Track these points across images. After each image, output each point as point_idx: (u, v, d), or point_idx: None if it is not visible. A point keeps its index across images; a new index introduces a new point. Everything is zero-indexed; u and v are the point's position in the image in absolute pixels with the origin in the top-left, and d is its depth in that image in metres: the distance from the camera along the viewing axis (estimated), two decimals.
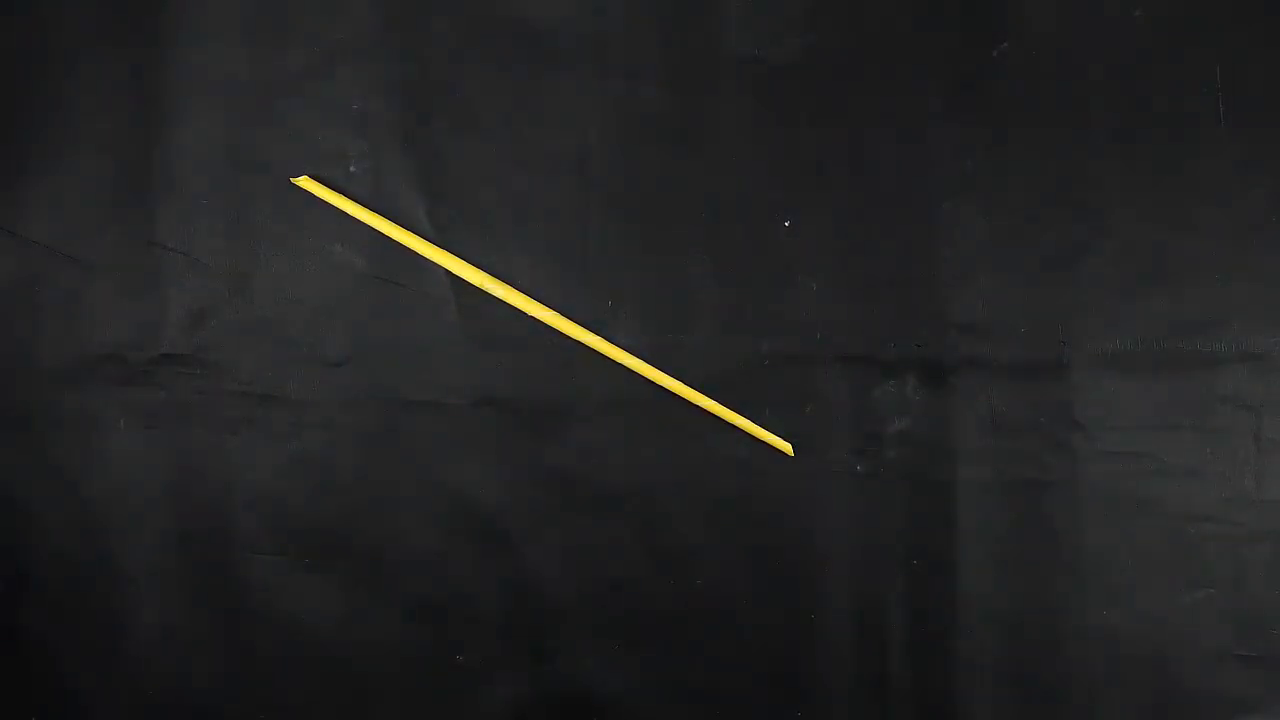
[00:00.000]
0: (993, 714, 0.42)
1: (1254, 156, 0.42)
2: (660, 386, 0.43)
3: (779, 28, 0.44)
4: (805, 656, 0.43)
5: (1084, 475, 0.43)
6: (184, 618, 0.45)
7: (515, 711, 0.45)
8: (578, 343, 0.43)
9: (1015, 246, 0.43)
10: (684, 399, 0.43)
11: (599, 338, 0.43)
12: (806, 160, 0.44)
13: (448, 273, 0.44)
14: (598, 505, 0.44)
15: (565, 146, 0.44)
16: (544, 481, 0.44)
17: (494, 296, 0.43)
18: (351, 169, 0.45)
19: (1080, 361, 0.43)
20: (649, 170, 0.44)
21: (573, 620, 0.45)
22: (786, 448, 0.42)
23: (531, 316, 0.43)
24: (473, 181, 0.44)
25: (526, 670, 0.45)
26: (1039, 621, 0.42)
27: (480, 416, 0.43)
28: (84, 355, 0.45)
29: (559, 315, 0.43)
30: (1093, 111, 0.43)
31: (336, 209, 0.44)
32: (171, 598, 0.45)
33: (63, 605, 0.45)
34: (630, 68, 0.44)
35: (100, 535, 0.45)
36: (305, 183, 0.43)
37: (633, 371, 0.43)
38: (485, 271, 0.44)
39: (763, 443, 0.42)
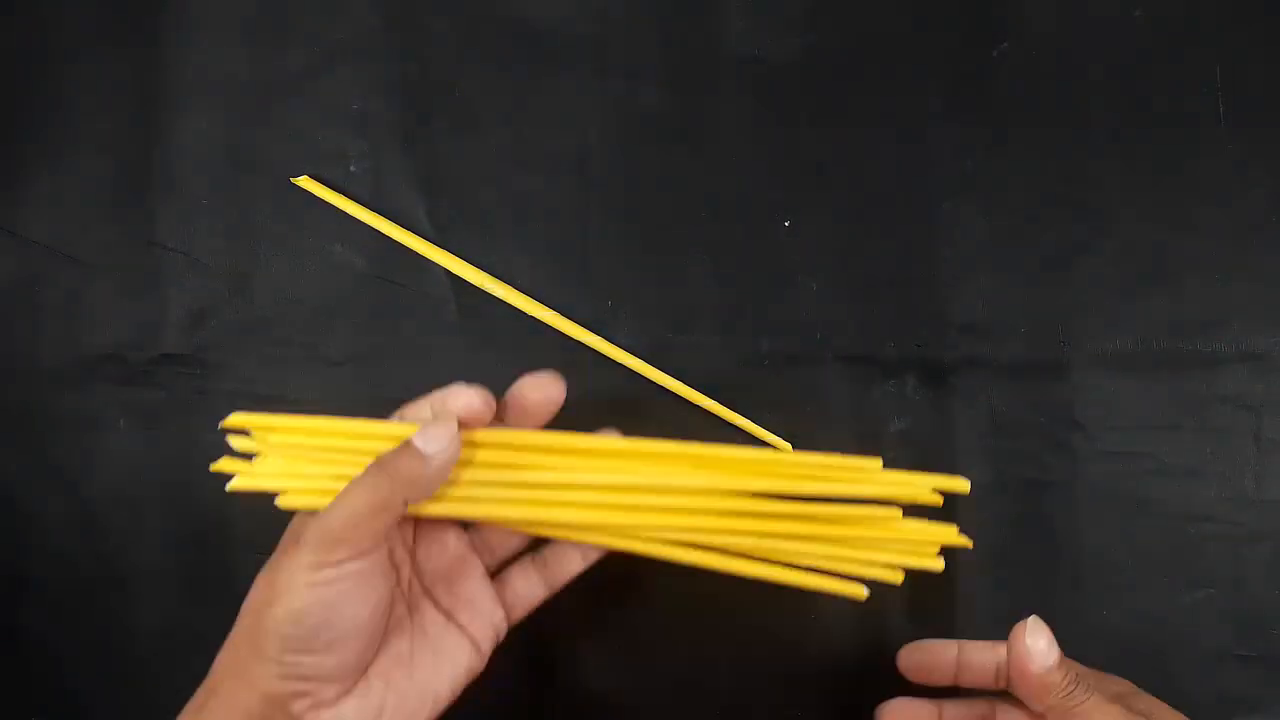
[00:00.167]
0: None
1: (1254, 156, 0.42)
2: (660, 386, 0.43)
3: (779, 28, 0.44)
4: (805, 656, 0.43)
5: (1084, 475, 0.43)
6: (184, 618, 0.45)
7: (515, 711, 0.45)
8: (578, 343, 0.43)
9: (1015, 246, 0.43)
10: (684, 399, 0.43)
11: (599, 338, 0.43)
12: (806, 160, 0.44)
13: (448, 273, 0.44)
14: None
15: (565, 146, 0.44)
16: None
17: (494, 296, 0.43)
18: (351, 169, 0.45)
19: (1080, 361, 0.43)
20: (649, 170, 0.44)
21: (573, 620, 0.45)
22: (786, 447, 0.42)
23: (531, 316, 0.43)
24: (473, 181, 0.44)
25: (526, 670, 0.45)
26: None
27: None
28: (84, 355, 0.45)
29: (559, 315, 0.43)
30: (1093, 111, 0.43)
31: (336, 209, 0.44)
32: (171, 598, 0.45)
33: (63, 605, 0.45)
34: (630, 68, 0.44)
35: (100, 535, 0.45)
36: (305, 183, 0.43)
37: (633, 371, 0.43)
38: (485, 271, 0.44)
39: (763, 442, 0.42)
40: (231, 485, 0.37)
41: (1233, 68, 0.42)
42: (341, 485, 0.33)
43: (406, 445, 0.33)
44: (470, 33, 0.44)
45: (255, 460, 0.37)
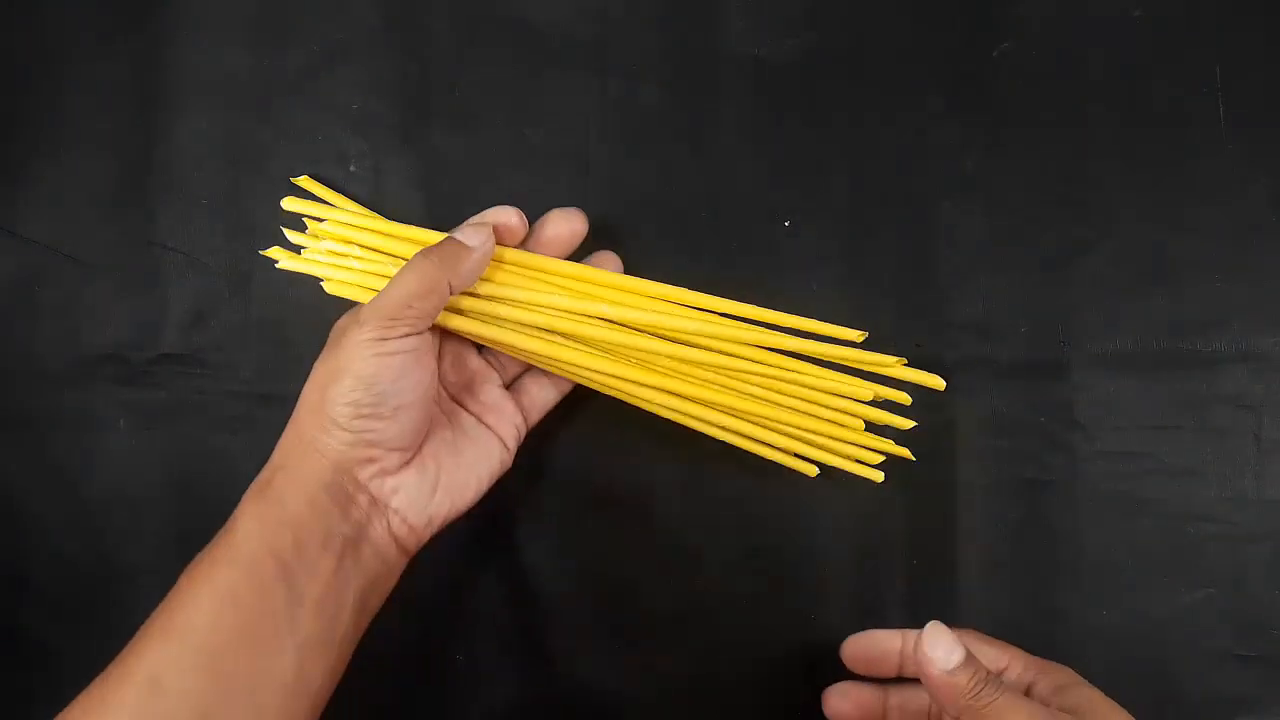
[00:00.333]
0: None
1: (1254, 156, 0.42)
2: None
3: (779, 28, 0.44)
4: (806, 657, 0.43)
5: (1084, 475, 0.43)
6: None
7: (515, 711, 0.45)
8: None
9: (1015, 246, 0.43)
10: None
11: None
12: (806, 160, 0.44)
13: None
14: (598, 505, 0.44)
15: (565, 146, 0.44)
16: (544, 481, 0.45)
17: None
18: (352, 169, 0.45)
19: (1080, 361, 0.43)
20: (649, 170, 0.44)
21: (573, 620, 0.45)
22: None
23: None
24: (473, 181, 0.44)
25: (526, 670, 0.45)
26: (1038, 621, 0.42)
27: None
28: (84, 355, 0.45)
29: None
30: (1093, 111, 0.43)
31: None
32: None
33: (63, 605, 0.45)
34: (630, 68, 0.44)
35: (100, 535, 0.45)
36: (305, 183, 0.43)
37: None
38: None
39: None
40: (281, 264, 0.42)
41: (1233, 68, 0.42)
42: (382, 282, 0.38)
43: (449, 238, 0.37)
44: (470, 33, 0.44)
45: (304, 250, 0.42)
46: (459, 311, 0.39)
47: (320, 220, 0.42)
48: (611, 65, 0.44)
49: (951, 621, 0.42)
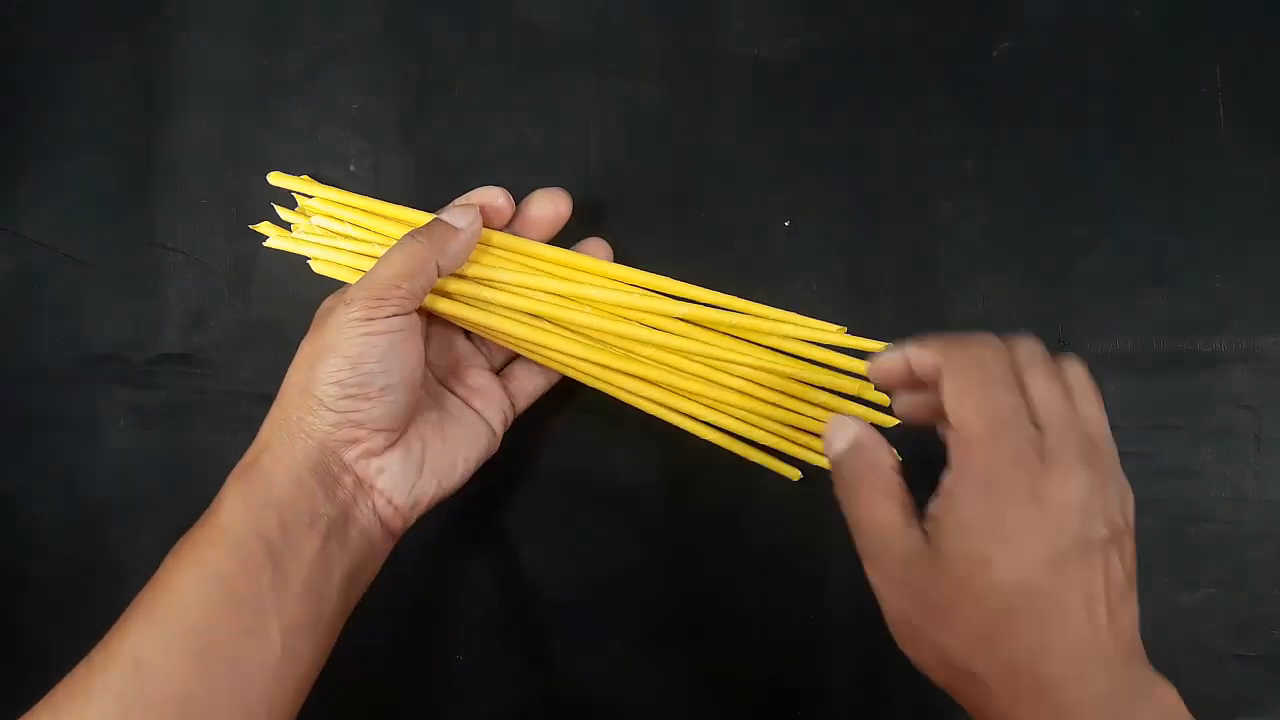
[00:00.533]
0: None
1: (1254, 156, 0.42)
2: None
3: (779, 28, 0.44)
4: (805, 656, 0.43)
5: None
6: None
7: (515, 711, 0.45)
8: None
9: (1015, 246, 0.43)
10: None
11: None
12: (806, 160, 0.44)
13: None
14: (598, 505, 0.44)
15: (565, 146, 0.44)
16: (544, 481, 0.45)
17: None
18: (351, 169, 0.45)
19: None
20: (649, 170, 0.44)
21: (573, 620, 0.45)
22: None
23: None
24: (473, 181, 0.44)
25: (526, 670, 0.45)
26: None
27: None
28: (84, 355, 0.45)
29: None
30: (1093, 111, 0.43)
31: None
32: None
33: (63, 605, 0.45)
34: (630, 68, 0.44)
35: (100, 535, 0.45)
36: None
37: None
38: None
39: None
40: (269, 243, 0.42)
41: (1233, 68, 0.42)
42: (370, 263, 0.38)
43: (437, 220, 0.37)
44: (470, 33, 0.44)
45: (294, 228, 0.42)
46: (446, 295, 0.39)
47: (310, 197, 0.42)
48: (611, 65, 0.44)
49: None
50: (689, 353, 0.40)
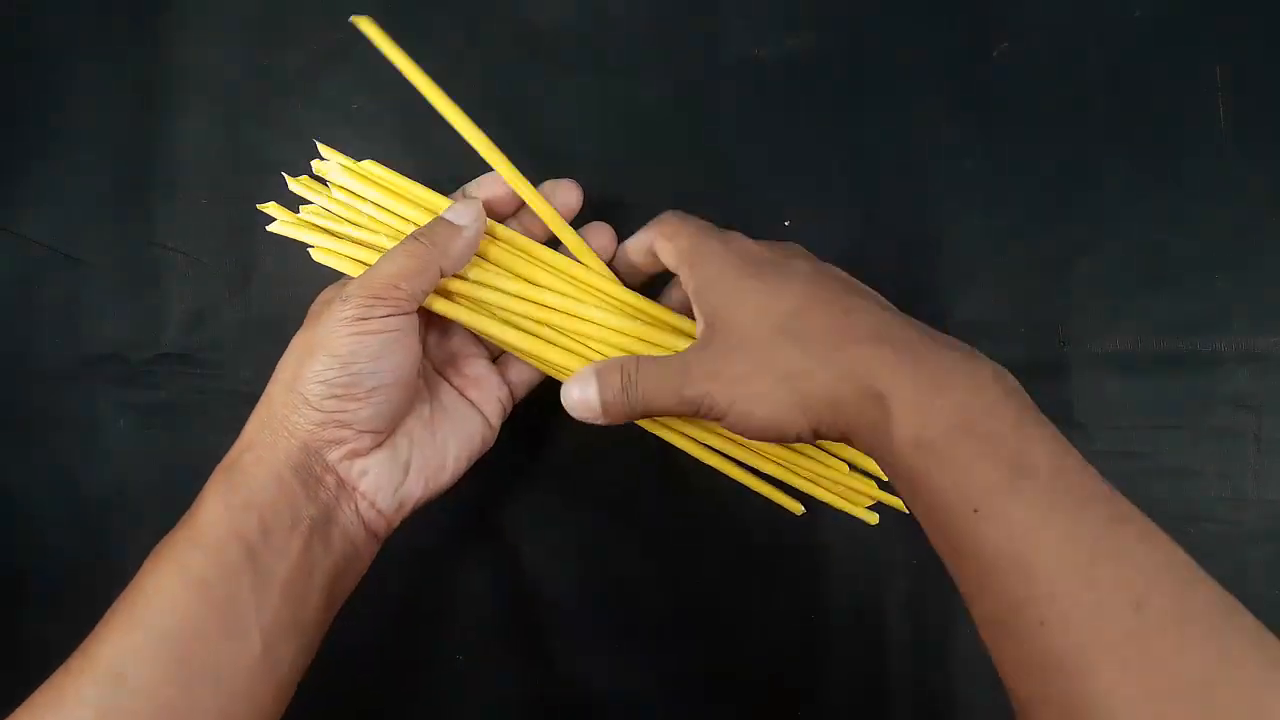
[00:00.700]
0: (993, 714, 0.42)
1: (1254, 156, 0.42)
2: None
3: (779, 27, 0.44)
4: (805, 656, 0.43)
5: None
6: None
7: (515, 711, 0.45)
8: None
9: (1015, 246, 0.43)
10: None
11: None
12: (806, 160, 0.44)
13: None
14: (597, 505, 0.44)
15: (565, 146, 0.44)
16: (544, 481, 0.45)
17: None
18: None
19: (1080, 361, 0.43)
20: (649, 170, 0.44)
21: (573, 620, 0.45)
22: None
23: None
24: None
25: (526, 670, 0.45)
26: None
27: None
28: (84, 355, 0.45)
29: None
30: (1093, 111, 0.43)
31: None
32: None
33: (63, 605, 0.45)
34: (630, 68, 0.44)
35: (100, 535, 0.45)
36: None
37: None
38: None
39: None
40: (272, 227, 0.40)
41: (1233, 68, 0.42)
42: (372, 256, 0.38)
43: (439, 219, 0.37)
44: (470, 33, 0.44)
45: (304, 208, 0.40)
46: (446, 295, 0.39)
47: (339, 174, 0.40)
48: (611, 65, 0.44)
49: (953, 620, 0.42)
50: None
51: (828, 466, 0.40)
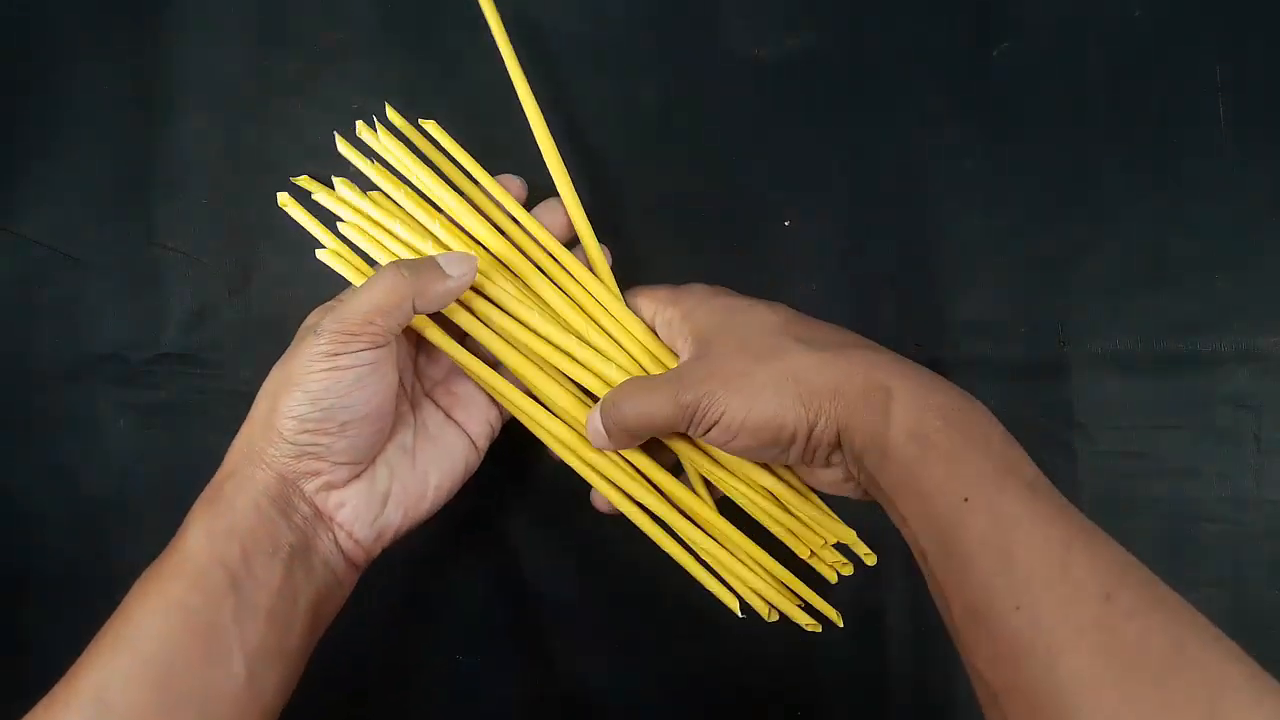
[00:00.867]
0: None
1: (1254, 156, 0.42)
2: None
3: (779, 27, 0.44)
4: (805, 656, 0.43)
5: (1084, 475, 0.43)
6: None
7: (515, 711, 0.45)
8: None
9: (1015, 246, 0.43)
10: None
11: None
12: (806, 160, 0.44)
13: None
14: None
15: (565, 146, 0.44)
16: (544, 482, 0.44)
17: None
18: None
19: (1080, 361, 0.43)
20: (649, 170, 0.44)
21: (573, 620, 0.45)
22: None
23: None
24: None
25: (526, 670, 0.45)
26: None
27: None
28: (84, 355, 0.45)
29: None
30: (1092, 111, 0.43)
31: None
32: None
33: (63, 605, 0.45)
34: (630, 68, 0.44)
35: (100, 535, 0.45)
36: (305, 182, 0.43)
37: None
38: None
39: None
40: (283, 200, 0.40)
41: (1233, 68, 0.42)
42: (385, 256, 0.38)
43: (430, 259, 0.36)
44: (470, 33, 0.44)
45: (325, 194, 0.40)
46: (442, 323, 0.38)
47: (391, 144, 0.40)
48: (611, 65, 0.44)
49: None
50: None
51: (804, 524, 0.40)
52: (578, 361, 0.39)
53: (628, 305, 0.40)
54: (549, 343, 0.39)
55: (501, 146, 0.44)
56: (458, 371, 0.41)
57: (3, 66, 0.46)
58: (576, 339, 0.39)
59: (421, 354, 0.40)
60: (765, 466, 0.39)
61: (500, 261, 0.39)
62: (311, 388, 0.33)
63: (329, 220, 0.41)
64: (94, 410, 0.45)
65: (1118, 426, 0.43)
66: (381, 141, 0.40)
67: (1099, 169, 0.43)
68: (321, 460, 0.34)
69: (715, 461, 0.39)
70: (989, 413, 0.33)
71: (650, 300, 0.40)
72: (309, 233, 0.41)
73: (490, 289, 0.39)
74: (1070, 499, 0.42)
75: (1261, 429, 0.42)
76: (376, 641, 0.45)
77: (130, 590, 0.33)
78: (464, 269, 0.36)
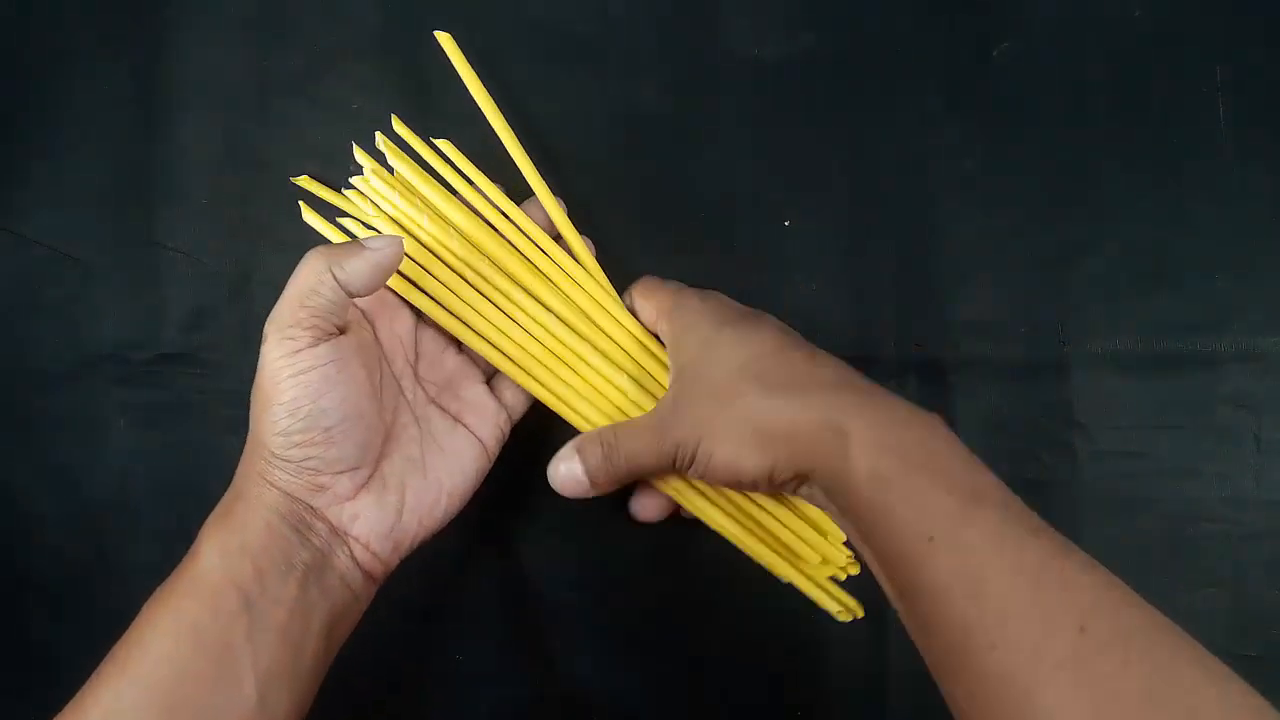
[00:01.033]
0: None
1: (1254, 156, 0.42)
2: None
3: (779, 27, 0.44)
4: (805, 656, 0.43)
5: (1084, 475, 0.43)
6: None
7: (515, 711, 0.45)
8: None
9: (1015, 246, 0.43)
10: None
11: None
12: (806, 160, 0.44)
13: None
14: (597, 505, 0.44)
15: (565, 146, 0.44)
16: (544, 482, 0.44)
17: None
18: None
19: (1080, 361, 0.43)
20: (649, 170, 0.44)
21: (573, 620, 0.45)
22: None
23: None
24: None
25: (526, 670, 0.45)
26: None
27: None
28: (84, 355, 0.45)
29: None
30: (1092, 111, 0.43)
31: (337, 208, 0.44)
32: None
33: (63, 605, 0.45)
34: (630, 68, 0.44)
35: (100, 535, 0.45)
36: (305, 182, 0.43)
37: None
38: None
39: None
40: (299, 180, 0.41)
41: (1233, 68, 0.42)
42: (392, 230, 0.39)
43: (352, 240, 0.36)
44: (471, 32, 0.44)
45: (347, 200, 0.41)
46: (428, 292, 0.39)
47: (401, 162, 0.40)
48: (611, 65, 0.44)
49: None
50: None
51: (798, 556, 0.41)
52: (589, 365, 0.40)
53: (626, 304, 0.41)
54: (563, 344, 0.40)
55: (503, 147, 0.44)
56: (463, 376, 0.41)
57: (3, 66, 0.46)
58: (590, 346, 0.40)
59: (421, 361, 0.40)
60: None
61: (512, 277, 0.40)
62: (283, 399, 0.32)
63: (334, 219, 0.41)
64: (94, 410, 0.45)
65: (1118, 426, 0.43)
66: (393, 162, 0.40)
67: (1099, 169, 0.43)
68: (320, 473, 0.34)
69: (696, 490, 0.40)
70: (950, 437, 0.33)
71: (649, 304, 0.40)
72: (309, 232, 0.41)
73: (499, 295, 0.40)
74: (1070, 499, 0.43)
75: (1261, 429, 0.42)
76: (376, 642, 0.45)
77: (140, 611, 0.32)
78: (385, 241, 0.35)
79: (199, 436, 0.45)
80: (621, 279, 0.42)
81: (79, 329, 0.45)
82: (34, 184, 0.45)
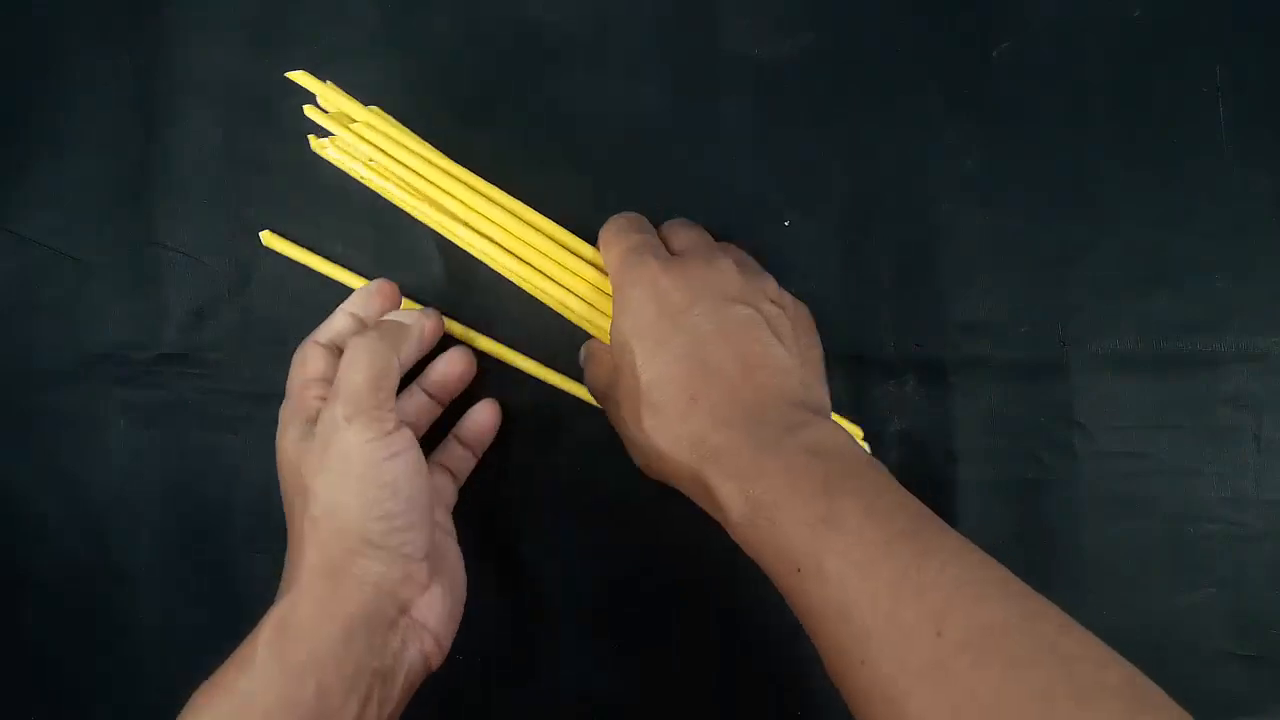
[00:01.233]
0: None
1: (1254, 156, 0.42)
2: None
3: (779, 28, 0.44)
4: (805, 656, 0.43)
5: (1084, 475, 0.43)
6: (184, 618, 0.45)
7: (515, 711, 0.45)
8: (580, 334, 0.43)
9: (1015, 246, 0.43)
10: None
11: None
12: (806, 160, 0.44)
13: (446, 271, 0.44)
14: (597, 506, 0.44)
15: (565, 146, 0.44)
16: (544, 481, 0.44)
17: (493, 295, 0.43)
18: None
19: (1080, 361, 0.43)
20: (649, 170, 0.44)
21: (572, 620, 0.45)
22: None
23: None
24: None
25: (527, 670, 0.45)
26: None
27: None
28: (84, 355, 0.45)
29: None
30: (1093, 111, 0.43)
31: (336, 208, 0.44)
32: (171, 598, 0.45)
33: (63, 605, 0.45)
34: (630, 68, 0.44)
35: (100, 535, 0.45)
36: (299, 77, 0.42)
37: None
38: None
39: None
40: (319, 144, 0.41)
41: (1233, 68, 0.42)
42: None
43: (391, 321, 0.37)
44: (470, 32, 0.44)
45: (334, 142, 0.41)
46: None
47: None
48: (611, 65, 0.44)
49: None
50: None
51: None
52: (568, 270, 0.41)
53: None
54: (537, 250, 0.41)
55: (502, 147, 0.44)
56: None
57: (3, 66, 0.46)
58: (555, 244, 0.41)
59: None
60: None
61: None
62: (387, 479, 0.31)
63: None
64: (94, 410, 0.45)
65: (1118, 426, 0.43)
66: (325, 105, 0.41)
67: (1099, 169, 0.43)
68: (412, 561, 0.32)
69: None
70: (804, 451, 0.32)
71: (608, 255, 0.40)
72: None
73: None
74: (1070, 499, 0.43)
75: (1261, 429, 0.42)
76: None
77: (182, 713, 0.30)
78: (415, 316, 0.38)
79: (199, 436, 0.45)
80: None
81: (79, 329, 0.45)
82: (34, 184, 0.45)
